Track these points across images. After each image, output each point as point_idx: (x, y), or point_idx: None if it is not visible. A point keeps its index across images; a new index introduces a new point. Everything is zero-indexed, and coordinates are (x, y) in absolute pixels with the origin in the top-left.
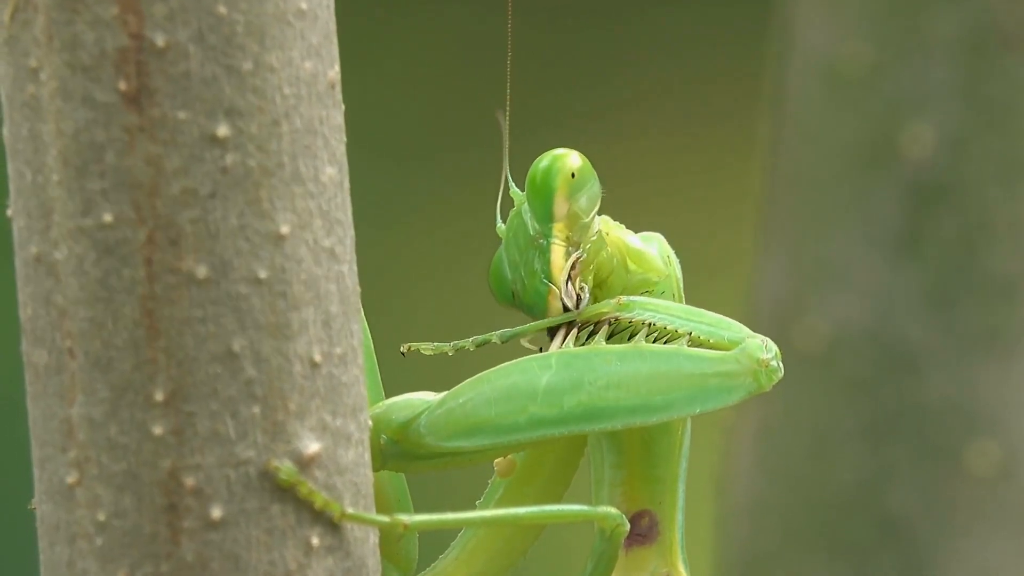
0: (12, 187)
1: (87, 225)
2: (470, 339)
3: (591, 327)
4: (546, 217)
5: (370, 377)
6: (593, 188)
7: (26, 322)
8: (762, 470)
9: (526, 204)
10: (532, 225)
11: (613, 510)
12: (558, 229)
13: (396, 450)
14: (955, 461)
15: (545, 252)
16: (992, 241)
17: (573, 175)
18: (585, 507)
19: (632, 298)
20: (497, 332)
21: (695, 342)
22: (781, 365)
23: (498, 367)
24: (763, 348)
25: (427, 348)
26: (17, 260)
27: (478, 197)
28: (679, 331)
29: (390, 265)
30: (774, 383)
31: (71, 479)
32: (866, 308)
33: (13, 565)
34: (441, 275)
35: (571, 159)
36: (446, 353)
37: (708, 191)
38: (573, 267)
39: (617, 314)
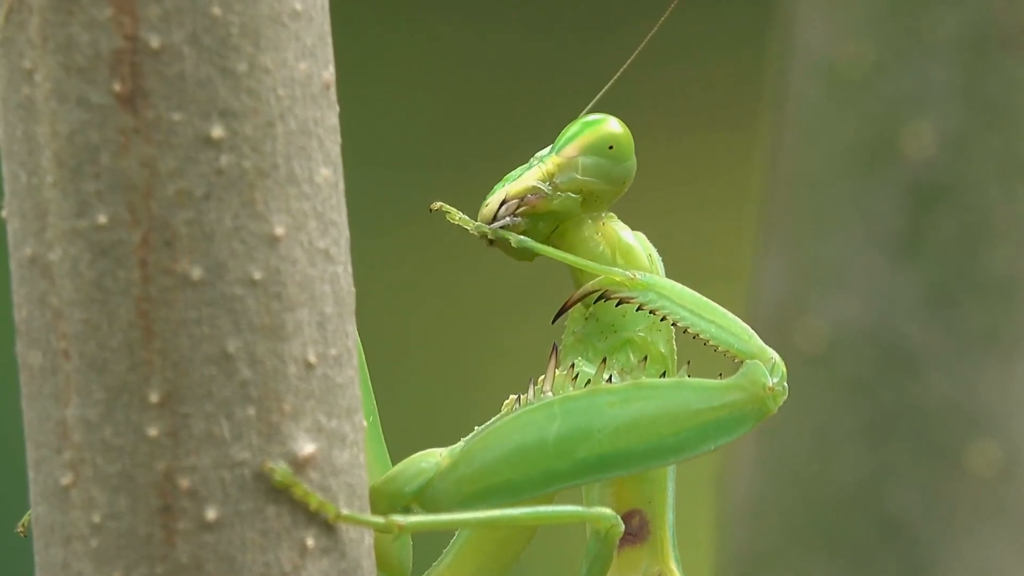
0: (7, 188)
1: (82, 226)
2: (491, 228)
3: (599, 294)
4: (559, 146)
5: (361, 382)
6: (612, 167)
7: (21, 323)
8: (762, 470)
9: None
10: (546, 150)
11: (608, 511)
12: (552, 161)
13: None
14: (955, 461)
15: (527, 169)
16: (992, 241)
17: (611, 147)
18: (580, 508)
19: (647, 276)
20: (517, 236)
21: (703, 342)
22: (786, 385)
23: (502, 423)
24: (768, 372)
25: (454, 216)
26: (12, 261)
27: (475, 199)
28: (688, 330)
29: (385, 266)
30: (780, 405)
31: (66, 480)
32: (866, 308)
33: (11, 566)
34: (438, 276)
35: (613, 126)
36: (466, 228)
37: (709, 191)
38: (524, 198)
39: (630, 295)
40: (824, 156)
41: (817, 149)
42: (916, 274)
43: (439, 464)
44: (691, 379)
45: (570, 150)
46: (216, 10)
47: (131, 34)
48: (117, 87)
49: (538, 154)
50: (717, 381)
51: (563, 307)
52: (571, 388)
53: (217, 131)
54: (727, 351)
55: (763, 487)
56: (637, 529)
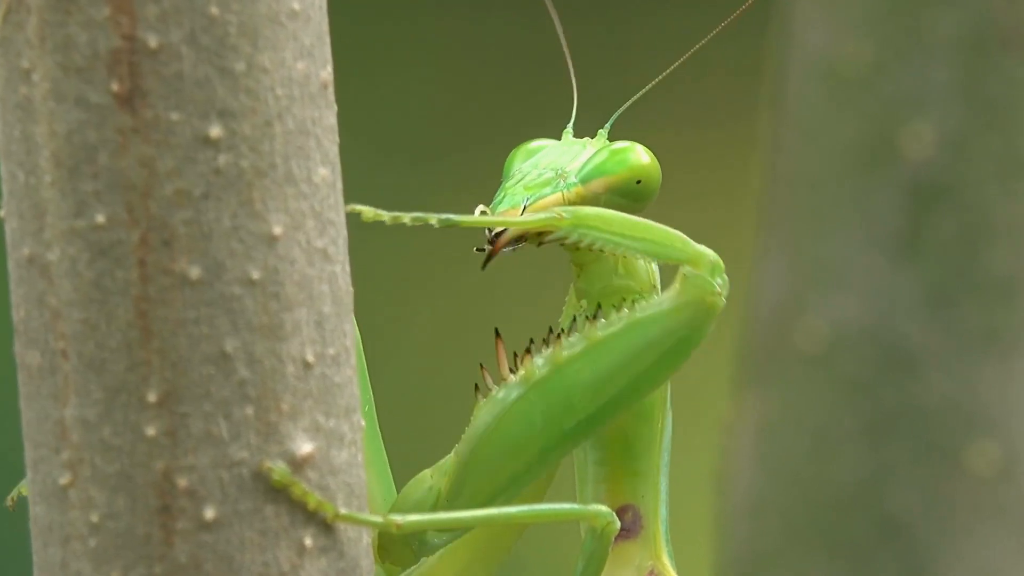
0: (5, 188)
1: (80, 226)
2: (408, 216)
3: (527, 237)
4: (585, 175)
5: (360, 381)
6: (635, 204)
7: (19, 323)
8: (762, 470)
9: (594, 148)
10: (573, 163)
11: (604, 508)
12: (576, 192)
13: (423, 544)
14: (955, 461)
15: (551, 188)
16: (992, 241)
17: (639, 182)
18: (576, 506)
19: (572, 211)
20: (437, 216)
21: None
22: (727, 278)
23: (488, 431)
24: (709, 278)
25: (368, 215)
26: (10, 261)
27: (473, 199)
28: (626, 255)
29: (384, 266)
30: (725, 296)
31: (64, 480)
32: (866, 308)
33: (10, 566)
34: (437, 275)
35: (642, 159)
36: (382, 220)
37: (707, 191)
38: (531, 235)
39: (560, 236)
40: (824, 156)
41: (817, 149)
42: (916, 274)
43: (435, 488)
44: (641, 313)
45: (597, 185)
46: (214, 10)
47: (129, 34)
48: (115, 87)
49: (566, 167)
50: (667, 305)
51: (489, 254)
52: (533, 366)
53: (215, 131)
54: (666, 262)
55: (763, 487)
56: (630, 524)
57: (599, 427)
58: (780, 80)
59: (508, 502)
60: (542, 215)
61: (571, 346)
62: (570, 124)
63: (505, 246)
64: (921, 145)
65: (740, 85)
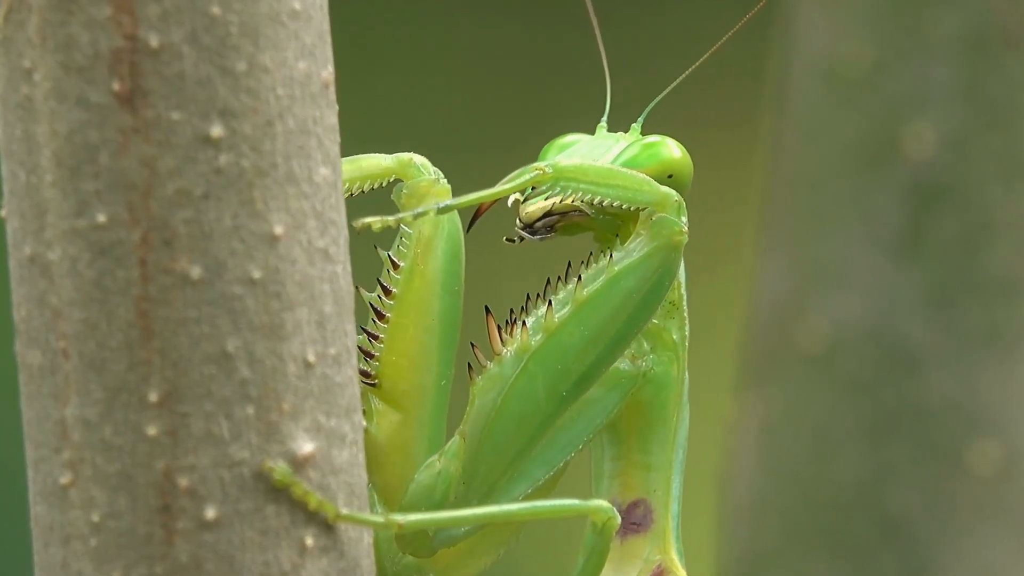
0: (6, 188)
1: (81, 226)
2: (411, 212)
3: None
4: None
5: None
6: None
7: (20, 323)
8: (763, 469)
9: (626, 142)
10: (605, 157)
11: (605, 503)
12: None
13: (441, 531)
14: (956, 461)
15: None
16: (993, 241)
17: (670, 176)
18: (577, 501)
19: (552, 164)
20: (435, 204)
21: (615, 206)
22: (686, 218)
23: (493, 408)
24: (675, 219)
25: (376, 223)
26: (11, 261)
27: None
28: (604, 202)
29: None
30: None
31: (65, 480)
32: (867, 308)
33: (11, 566)
34: None
35: (673, 153)
36: (389, 225)
37: (709, 191)
38: (567, 213)
39: (548, 191)
40: (824, 156)
41: (817, 149)
42: (916, 274)
43: (445, 472)
44: (618, 265)
45: None
46: (215, 9)
47: (130, 33)
48: (116, 86)
49: (593, 159)
50: (638, 254)
51: (476, 213)
52: (528, 337)
53: (216, 130)
54: (635, 206)
55: (763, 487)
56: (641, 518)
57: (587, 387)
58: (782, 80)
59: (519, 476)
60: (528, 175)
61: (560, 311)
62: (604, 118)
63: (538, 232)
64: (922, 145)
65: (742, 85)
